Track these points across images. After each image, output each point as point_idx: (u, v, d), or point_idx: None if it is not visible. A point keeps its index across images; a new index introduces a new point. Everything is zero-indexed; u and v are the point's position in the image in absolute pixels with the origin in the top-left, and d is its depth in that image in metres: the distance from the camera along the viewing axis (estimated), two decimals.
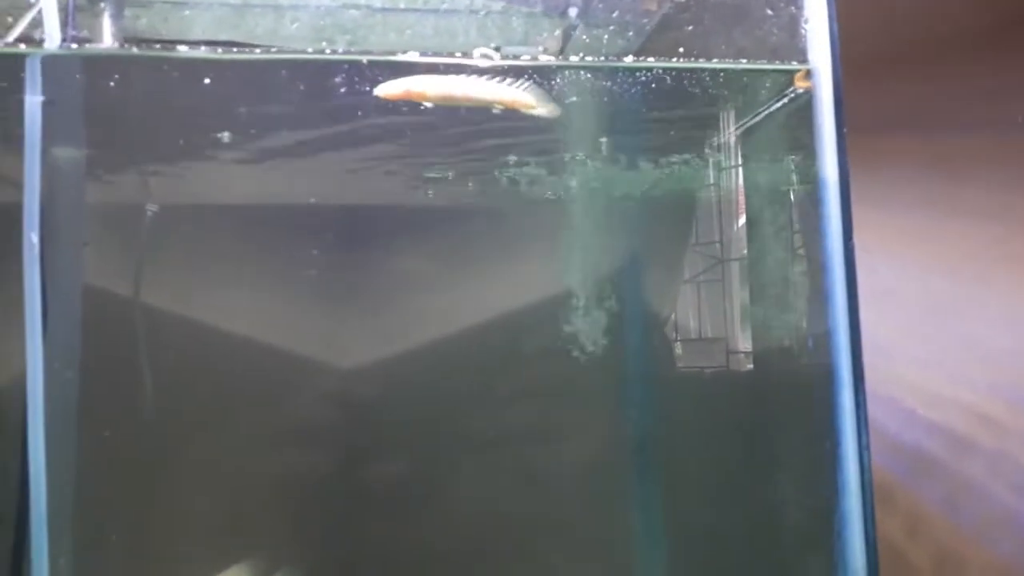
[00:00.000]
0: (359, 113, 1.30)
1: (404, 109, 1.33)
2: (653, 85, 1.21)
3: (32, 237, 0.99)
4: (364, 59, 1.03)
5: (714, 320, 1.56)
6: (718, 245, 1.60)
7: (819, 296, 1.07)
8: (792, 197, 1.38)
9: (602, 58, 1.13)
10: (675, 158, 1.54)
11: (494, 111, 1.10)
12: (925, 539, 1.64)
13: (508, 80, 1.07)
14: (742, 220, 1.51)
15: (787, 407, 1.39)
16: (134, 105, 1.24)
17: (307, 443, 1.61)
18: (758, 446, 1.46)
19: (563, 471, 1.62)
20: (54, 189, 1.11)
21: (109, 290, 1.51)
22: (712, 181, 1.53)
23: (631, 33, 1.08)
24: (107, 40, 1.12)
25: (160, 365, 1.55)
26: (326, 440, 1.62)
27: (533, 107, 1.09)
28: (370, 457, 1.63)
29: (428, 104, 1.08)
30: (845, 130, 1.03)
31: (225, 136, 1.36)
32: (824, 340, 1.07)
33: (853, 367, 1.04)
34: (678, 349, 1.62)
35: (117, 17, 1.14)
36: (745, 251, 1.56)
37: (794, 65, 1.07)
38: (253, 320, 1.62)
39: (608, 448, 1.63)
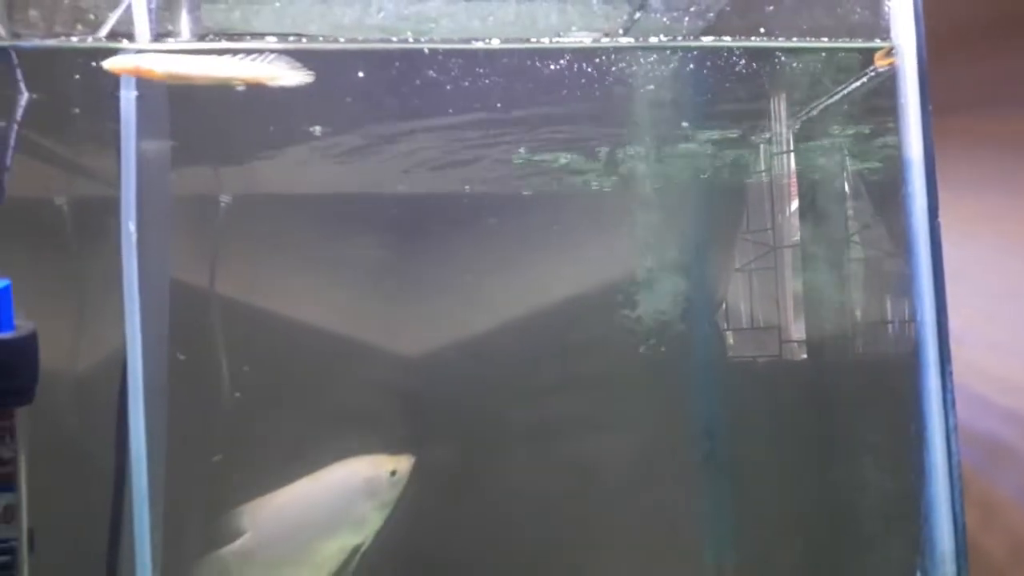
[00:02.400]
0: (431, 104, 1.32)
1: (475, 105, 1.35)
2: (725, 66, 1.20)
3: (130, 226, 1.03)
4: (441, 47, 1.04)
5: (793, 304, 1.55)
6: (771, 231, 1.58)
7: (905, 276, 1.06)
8: (874, 178, 1.36)
9: (679, 39, 1.12)
10: (749, 141, 1.53)
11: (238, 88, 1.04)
12: (1000, 529, 1.60)
13: (251, 56, 1.03)
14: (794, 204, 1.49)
15: (871, 390, 1.37)
16: (219, 98, 1.28)
17: (378, 425, 1.65)
18: (841, 431, 1.45)
19: (640, 457, 1.62)
20: (142, 180, 1.15)
21: (188, 277, 1.57)
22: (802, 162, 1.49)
23: (711, 14, 1.08)
24: (185, 35, 1.15)
25: (233, 349, 1.60)
26: (399, 421, 1.65)
27: (278, 79, 1.04)
28: (438, 441, 1.66)
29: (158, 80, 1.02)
30: (930, 107, 1.02)
31: (297, 129, 1.40)
32: (909, 321, 1.06)
33: (939, 348, 1.02)
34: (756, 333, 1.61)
35: (194, 12, 1.18)
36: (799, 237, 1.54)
37: (876, 43, 1.05)
38: (321, 307, 1.66)
39: (684, 435, 1.63)
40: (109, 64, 1.00)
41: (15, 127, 0.98)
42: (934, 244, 1.02)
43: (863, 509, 1.39)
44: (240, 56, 1.03)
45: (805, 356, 1.48)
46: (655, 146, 1.58)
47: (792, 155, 1.49)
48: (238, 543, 1.32)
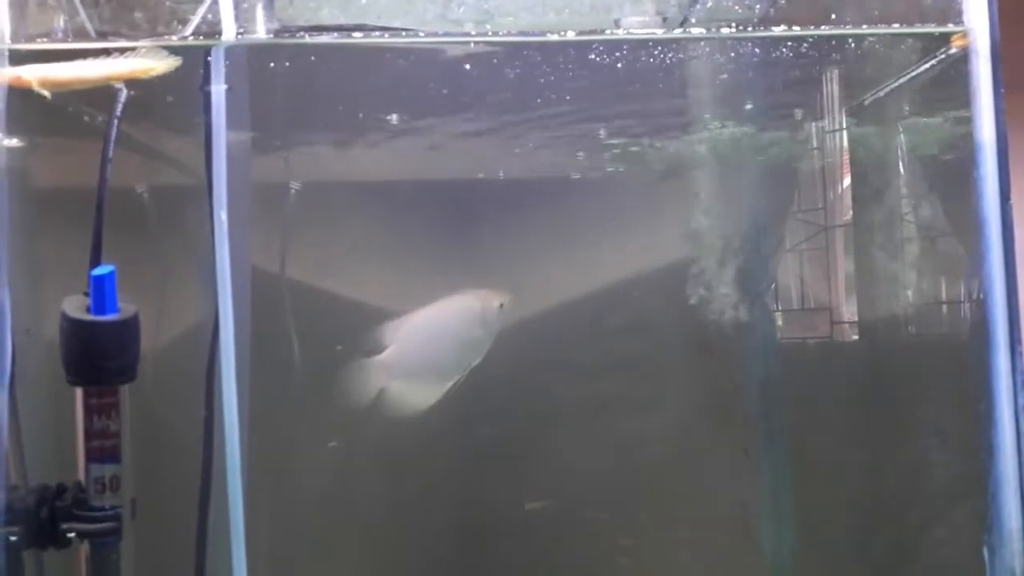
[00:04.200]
0: (492, 93, 1.35)
1: (544, 94, 1.37)
2: (791, 48, 1.21)
3: (222, 215, 1.08)
4: (517, 40, 1.07)
5: (864, 284, 1.55)
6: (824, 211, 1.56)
7: (974, 257, 1.06)
8: (941, 161, 1.36)
9: (750, 28, 1.14)
10: (812, 122, 1.53)
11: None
12: None
13: (117, 54, 1.02)
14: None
15: (939, 369, 1.38)
16: (296, 90, 1.32)
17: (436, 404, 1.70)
18: (908, 411, 1.46)
19: (692, 438, 1.64)
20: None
21: (263, 262, 1.63)
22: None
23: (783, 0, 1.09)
24: (260, 30, 1.20)
25: (300, 329, 1.66)
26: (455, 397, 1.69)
27: (152, 70, 1.05)
28: (493, 417, 1.71)
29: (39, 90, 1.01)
30: (1003, 90, 1.02)
31: (373, 117, 1.44)
32: (978, 301, 1.07)
33: (1010, 329, 1.03)
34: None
35: (269, 7, 1.22)
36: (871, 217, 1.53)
37: (949, 27, 1.05)
38: (381, 287, 1.72)
39: (740, 414, 1.64)
40: None
41: (116, 122, 1.04)
42: (1005, 227, 1.03)
43: (929, 487, 1.40)
44: (113, 55, 1.03)
45: (867, 337, 1.49)
46: (713, 129, 1.59)
47: (848, 136, 1.49)
48: (384, 354, 1.54)
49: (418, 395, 1.53)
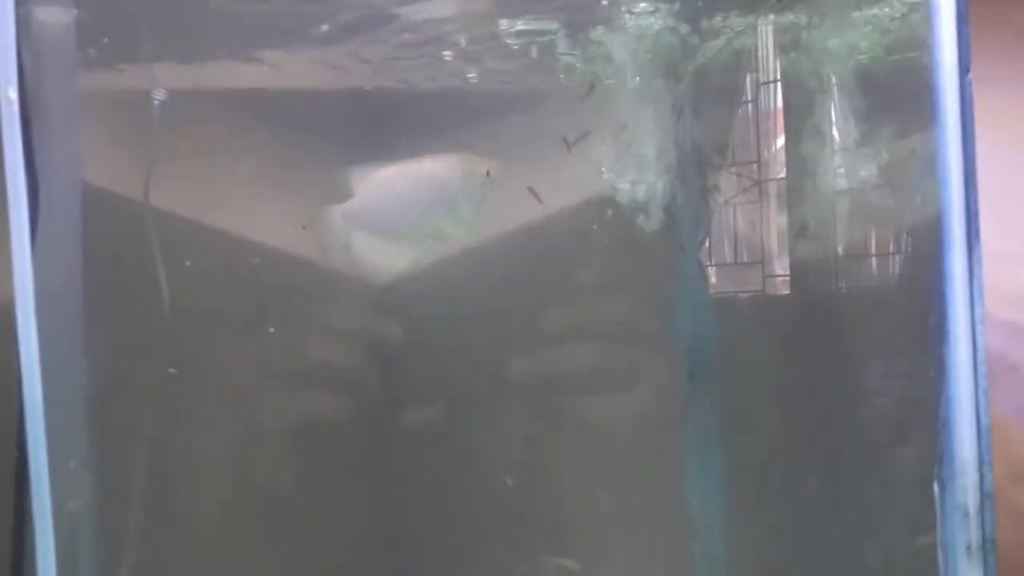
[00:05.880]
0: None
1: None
2: None
3: (9, 93, 0.86)
4: None
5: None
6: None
7: (927, 135, 0.91)
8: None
9: None
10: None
11: None
12: (999, 448, 1.56)
13: None
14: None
15: (884, 272, 1.24)
16: None
17: (344, 377, 1.50)
18: (846, 324, 1.34)
19: (624, 397, 1.52)
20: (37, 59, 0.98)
21: (109, 187, 1.41)
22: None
23: None
24: None
25: (169, 271, 1.47)
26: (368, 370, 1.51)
27: None
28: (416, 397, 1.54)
29: None
30: None
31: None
32: (932, 199, 0.92)
33: (967, 222, 0.88)
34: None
35: None
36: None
37: None
38: (267, 223, 1.53)
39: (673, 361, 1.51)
40: None
41: None
42: (964, 102, 0.88)
43: (874, 423, 1.28)
44: None
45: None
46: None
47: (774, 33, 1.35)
48: (348, 203, 1.43)
49: (383, 253, 1.44)
